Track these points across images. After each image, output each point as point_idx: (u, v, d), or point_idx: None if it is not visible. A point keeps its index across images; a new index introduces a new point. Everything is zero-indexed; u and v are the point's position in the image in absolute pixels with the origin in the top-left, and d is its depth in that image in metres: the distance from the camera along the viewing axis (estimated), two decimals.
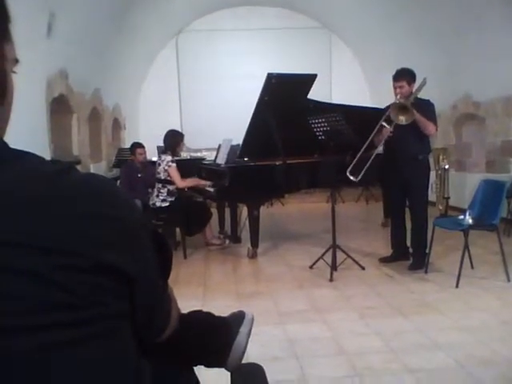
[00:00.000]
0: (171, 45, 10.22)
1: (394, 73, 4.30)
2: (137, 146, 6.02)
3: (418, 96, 4.23)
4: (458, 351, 2.70)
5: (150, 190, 5.72)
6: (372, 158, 4.24)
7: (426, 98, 4.28)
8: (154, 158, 7.12)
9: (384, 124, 4.16)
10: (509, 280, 3.89)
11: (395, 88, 4.24)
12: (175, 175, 5.04)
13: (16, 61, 0.73)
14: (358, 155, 4.25)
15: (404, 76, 4.22)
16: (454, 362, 2.58)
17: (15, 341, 0.60)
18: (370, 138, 4.26)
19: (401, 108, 4.09)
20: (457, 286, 3.81)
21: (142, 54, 9.41)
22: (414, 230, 4.38)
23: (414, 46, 7.69)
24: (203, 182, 5.32)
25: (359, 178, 4.21)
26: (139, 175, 5.91)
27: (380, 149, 4.40)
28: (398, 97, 4.16)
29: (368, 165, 4.21)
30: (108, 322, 0.67)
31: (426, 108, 4.18)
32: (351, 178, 4.22)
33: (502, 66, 5.97)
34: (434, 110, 4.26)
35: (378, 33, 8.82)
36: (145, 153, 6.02)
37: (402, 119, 4.07)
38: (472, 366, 2.51)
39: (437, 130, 4.29)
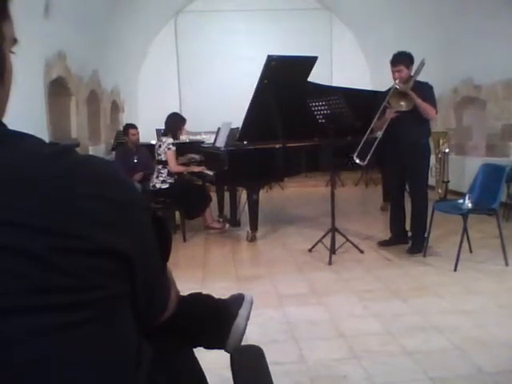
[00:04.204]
0: (170, 26, 10.13)
1: (391, 57, 4.27)
2: (130, 126, 6.02)
3: (417, 78, 4.20)
4: (455, 334, 2.72)
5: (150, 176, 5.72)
6: (377, 141, 4.21)
7: (425, 81, 4.25)
8: (153, 141, 7.10)
9: (387, 105, 4.12)
10: (507, 264, 3.91)
11: (393, 72, 4.20)
12: (171, 159, 5.05)
13: (15, 40, 0.72)
14: (363, 140, 4.23)
15: (402, 60, 4.18)
16: (451, 344, 2.61)
17: (15, 322, 0.60)
18: (373, 122, 4.23)
19: (401, 94, 4.06)
20: (455, 270, 3.83)
21: (141, 35, 9.31)
22: (413, 213, 4.38)
23: (414, 28, 7.61)
24: (197, 169, 5.33)
25: (366, 161, 4.19)
26: (135, 161, 5.88)
27: (379, 133, 4.38)
28: (397, 81, 4.13)
29: (374, 148, 4.18)
30: (108, 303, 0.67)
31: (425, 91, 4.15)
32: (358, 161, 4.20)
33: (503, 48, 5.92)
34: (433, 93, 4.22)
35: (378, 14, 8.73)
36: (138, 133, 5.99)
37: (403, 105, 4.05)
38: (469, 349, 2.54)
39: (436, 113, 4.27)
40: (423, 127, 4.27)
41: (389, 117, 4.17)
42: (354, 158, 4.21)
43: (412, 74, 4.19)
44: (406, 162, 4.27)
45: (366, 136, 4.23)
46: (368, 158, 4.18)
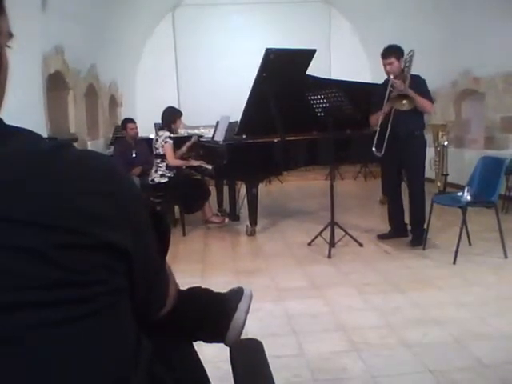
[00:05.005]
0: (167, 19, 10.08)
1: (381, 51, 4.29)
2: (128, 121, 6.01)
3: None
4: (454, 326, 2.73)
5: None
6: (388, 130, 4.21)
7: (418, 74, 4.26)
8: (152, 136, 7.09)
9: (391, 88, 4.12)
10: (506, 256, 3.91)
11: (385, 65, 4.25)
12: (169, 153, 5.04)
13: (10, 35, 0.71)
14: (377, 133, 4.25)
15: (393, 52, 4.22)
16: (450, 336, 2.62)
17: (15, 317, 0.61)
18: (381, 116, 4.23)
19: (401, 95, 4.09)
20: (454, 263, 3.83)
21: (139, 29, 9.28)
22: (412, 206, 4.38)
23: (414, 21, 7.58)
24: (195, 163, 5.33)
25: (382, 152, 4.21)
26: (134, 155, 5.88)
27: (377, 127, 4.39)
28: (392, 76, 4.14)
29: (387, 137, 4.19)
30: (107, 298, 0.67)
31: (420, 86, 4.18)
32: (376, 153, 4.23)
33: (502, 41, 5.90)
34: (427, 86, 4.25)
35: (377, 7, 8.69)
36: (136, 128, 5.98)
37: (405, 104, 4.10)
38: (468, 341, 2.55)
39: (432, 103, 4.28)
40: (418, 120, 4.29)
41: (385, 111, 4.19)
42: (373, 150, 4.24)
43: (402, 67, 4.20)
44: (402, 154, 4.28)
45: (378, 128, 4.26)
46: (384, 147, 4.20)
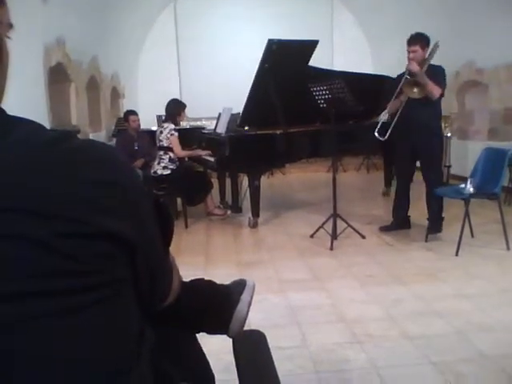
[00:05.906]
0: (169, 10, 10.01)
1: (408, 37, 4.24)
2: (130, 113, 6.02)
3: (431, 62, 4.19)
4: (456, 318, 2.73)
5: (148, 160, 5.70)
6: (396, 118, 4.20)
7: (438, 64, 4.22)
8: (154, 128, 7.08)
9: (407, 76, 4.11)
10: (508, 248, 3.91)
11: (408, 52, 4.19)
12: (176, 145, 5.05)
13: (10, 25, 0.71)
14: (382, 118, 4.24)
15: (418, 40, 4.17)
16: (452, 328, 2.62)
17: (17, 307, 0.61)
18: (390, 105, 4.21)
19: (414, 82, 4.06)
20: (457, 255, 3.84)
21: (140, 20, 9.22)
22: (429, 195, 4.32)
23: (417, 12, 7.53)
24: (202, 153, 5.32)
25: (386, 137, 4.22)
26: (136, 147, 5.88)
27: (385, 117, 4.38)
28: (410, 66, 4.09)
29: (393, 124, 4.20)
30: (109, 288, 0.67)
31: (436, 74, 4.11)
32: (380, 138, 4.23)
33: (505, 32, 5.85)
34: (445, 75, 4.20)
35: None
36: (138, 120, 5.99)
37: (416, 92, 4.07)
38: (470, 333, 2.55)
39: (442, 95, 4.21)
40: (434, 109, 4.21)
41: (404, 100, 4.18)
42: (376, 134, 4.25)
43: (426, 57, 4.16)
44: (418, 146, 4.23)
45: (382, 115, 4.26)
46: (388, 133, 4.20)
